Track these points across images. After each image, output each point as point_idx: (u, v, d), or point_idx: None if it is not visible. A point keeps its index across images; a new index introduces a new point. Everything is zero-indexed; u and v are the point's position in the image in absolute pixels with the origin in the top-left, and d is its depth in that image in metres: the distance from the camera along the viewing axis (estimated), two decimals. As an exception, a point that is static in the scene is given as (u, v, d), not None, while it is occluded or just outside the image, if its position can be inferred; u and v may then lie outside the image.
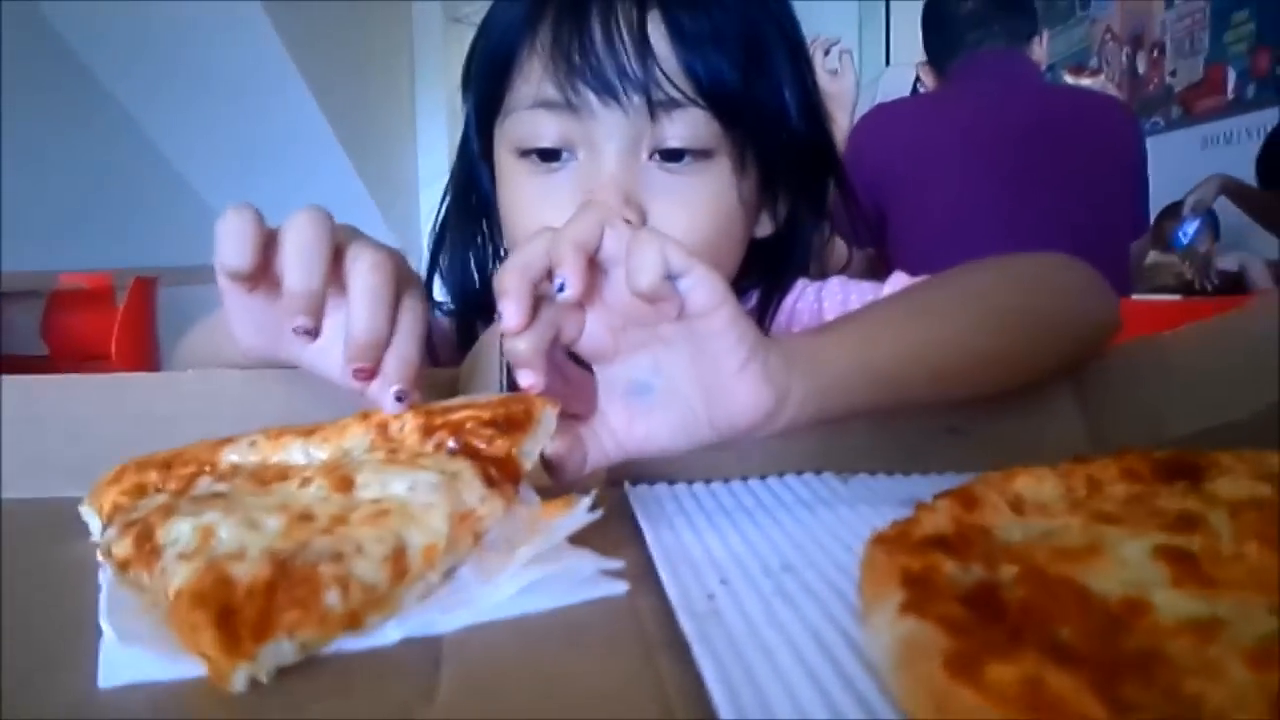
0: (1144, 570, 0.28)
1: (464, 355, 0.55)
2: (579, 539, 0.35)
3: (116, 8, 3.63)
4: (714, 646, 0.29)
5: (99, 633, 0.30)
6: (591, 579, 0.33)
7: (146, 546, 0.31)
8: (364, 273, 0.43)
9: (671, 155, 0.64)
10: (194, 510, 0.32)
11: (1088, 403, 0.54)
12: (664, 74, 0.62)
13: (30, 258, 3.32)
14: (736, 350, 0.39)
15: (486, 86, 0.70)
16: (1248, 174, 2.56)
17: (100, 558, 0.34)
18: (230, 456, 0.38)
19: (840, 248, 1.62)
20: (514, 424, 0.37)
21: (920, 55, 2.01)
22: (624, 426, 0.42)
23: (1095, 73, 2.89)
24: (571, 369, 0.44)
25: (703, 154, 0.65)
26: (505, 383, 0.48)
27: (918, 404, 0.49)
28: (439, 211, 0.80)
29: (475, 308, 0.76)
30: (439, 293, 0.78)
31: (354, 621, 0.29)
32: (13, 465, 0.49)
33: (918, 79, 2.45)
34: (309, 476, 0.34)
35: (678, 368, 0.41)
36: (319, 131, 4.44)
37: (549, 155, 0.66)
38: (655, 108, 0.63)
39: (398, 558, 0.30)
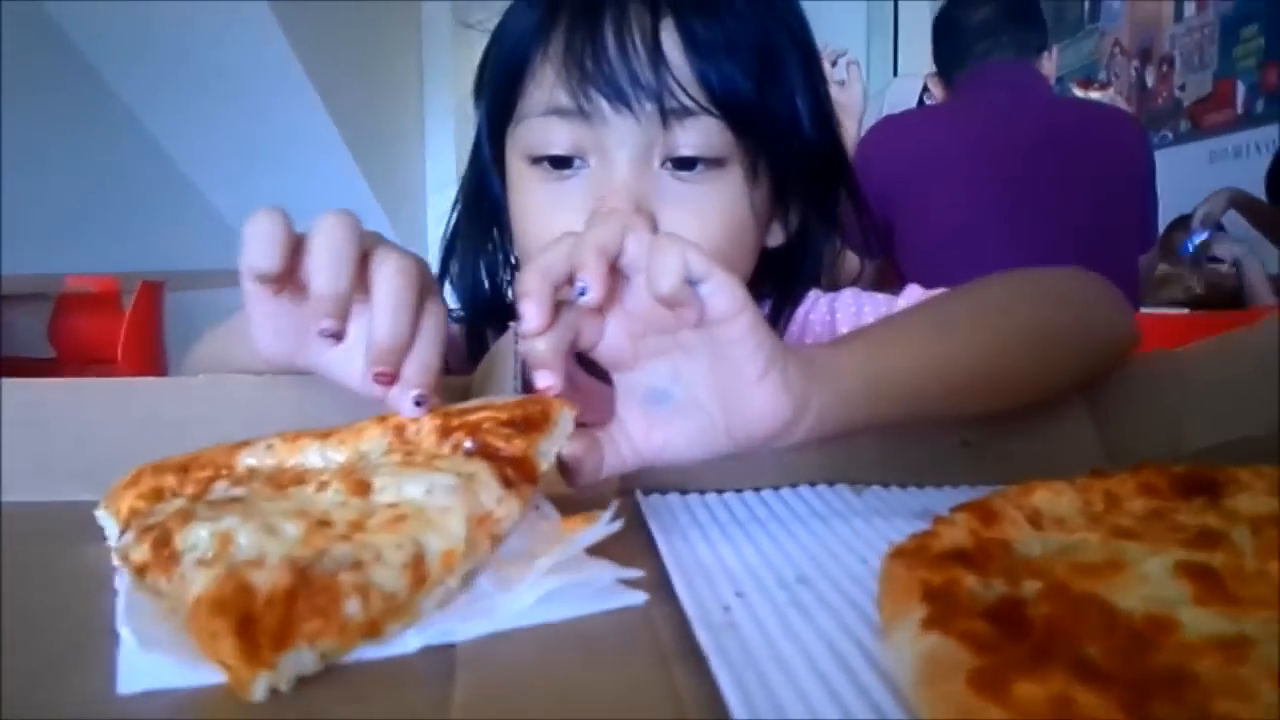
0: (1166, 587, 0.27)
1: (473, 363, 0.55)
2: (594, 548, 0.35)
3: (122, 7, 3.64)
4: (730, 658, 0.28)
5: (115, 638, 0.30)
6: (610, 589, 0.33)
7: (164, 552, 0.31)
8: (389, 277, 0.43)
9: (684, 163, 0.64)
10: (212, 515, 0.31)
11: (1102, 417, 0.54)
12: (677, 82, 0.62)
13: (33, 259, 3.32)
14: (755, 358, 0.39)
15: (499, 93, 0.70)
16: (1256, 188, 2.56)
17: (117, 562, 0.34)
18: (247, 460, 0.38)
19: (851, 259, 1.62)
20: (531, 424, 0.37)
21: (928, 66, 2.01)
22: (641, 434, 0.42)
23: (1104, 86, 2.88)
24: (582, 378, 0.43)
25: (715, 162, 0.65)
26: (520, 389, 0.48)
27: (936, 418, 0.49)
28: (450, 218, 0.80)
29: (485, 315, 0.76)
30: (449, 300, 0.77)
31: (374, 630, 0.29)
32: (22, 468, 0.49)
33: (924, 90, 2.46)
34: (326, 480, 0.34)
35: (697, 376, 0.41)
36: (325, 134, 4.44)
37: (561, 162, 0.66)
38: (668, 115, 0.63)
39: (417, 564, 0.30)
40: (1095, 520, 0.34)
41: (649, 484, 0.47)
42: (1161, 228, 2.07)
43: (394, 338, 0.42)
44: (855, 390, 0.43)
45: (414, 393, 0.40)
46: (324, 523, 0.31)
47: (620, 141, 0.63)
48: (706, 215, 0.65)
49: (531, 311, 0.38)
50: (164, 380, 0.54)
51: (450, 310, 0.77)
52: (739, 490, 0.48)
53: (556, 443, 0.38)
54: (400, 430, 0.38)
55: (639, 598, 0.33)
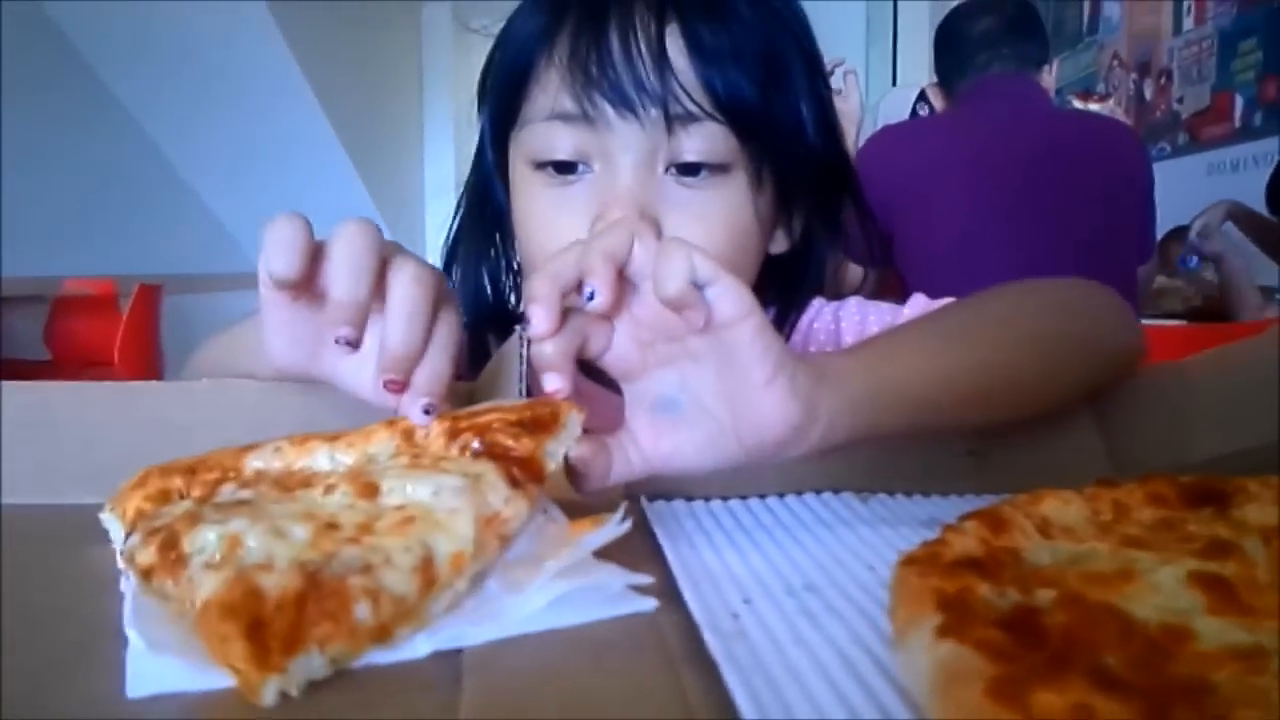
0: (1179, 597, 0.27)
1: (474, 368, 0.55)
2: (601, 555, 0.35)
3: (122, 10, 3.64)
4: (741, 666, 0.28)
5: (122, 640, 0.30)
6: (620, 594, 0.33)
7: (171, 555, 0.30)
8: (404, 285, 0.43)
9: (688, 169, 0.64)
10: (219, 518, 0.31)
11: (1108, 427, 0.54)
12: (682, 87, 0.62)
13: (31, 261, 3.32)
14: (763, 362, 0.39)
15: (503, 98, 0.70)
16: (1254, 201, 2.56)
17: (122, 565, 0.34)
18: (254, 462, 0.38)
19: (854, 269, 1.63)
20: (540, 425, 0.37)
21: (927, 76, 2.02)
22: (650, 441, 0.42)
23: (1104, 98, 2.90)
24: (586, 385, 0.43)
25: (719, 168, 0.65)
26: (525, 393, 0.48)
27: (946, 428, 0.49)
28: (452, 223, 0.80)
29: (488, 320, 0.76)
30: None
31: (384, 634, 0.29)
32: (25, 471, 0.49)
33: (917, 101, 2.47)
34: (333, 483, 0.34)
35: (705, 383, 0.41)
36: (324, 139, 4.44)
37: (565, 168, 0.66)
38: (672, 121, 0.63)
39: (426, 567, 0.30)
40: (1104, 530, 0.34)
41: (654, 491, 0.47)
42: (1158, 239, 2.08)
43: (406, 346, 0.42)
44: (866, 397, 0.43)
45: (423, 401, 0.40)
46: (332, 525, 0.31)
47: (625, 147, 0.63)
48: (711, 221, 0.65)
49: (540, 316, 0.39)
50: (168, 384, 0.53)
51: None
52: (744, 498, 0.48)
53: (564, 444, 0.38)
54: (408, 433, 0.38)
55: (648, 604, 0.33)
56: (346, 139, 4.52)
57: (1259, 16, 2.99)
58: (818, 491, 0.48)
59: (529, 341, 0.40)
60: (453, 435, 0.37)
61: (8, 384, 0.51)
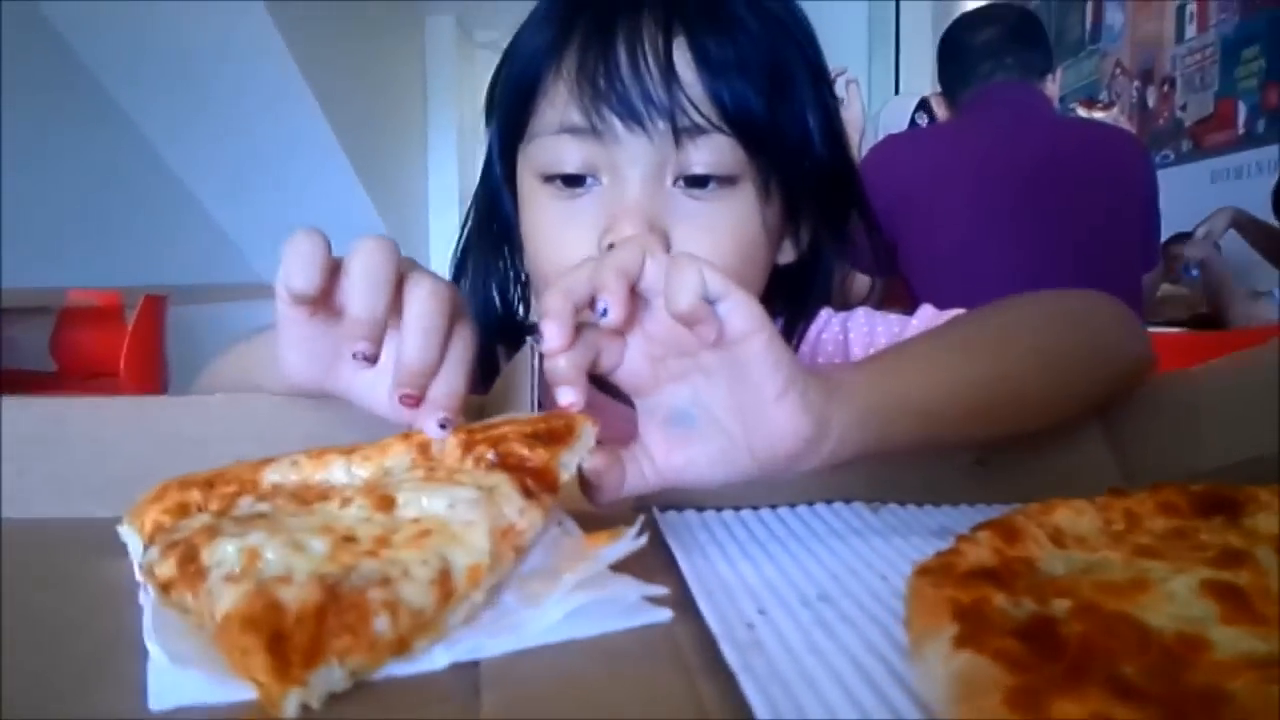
0: (1193, 606, 0.28)
1: (483, 379, 0.55)
2: (615, 566, 0.35)
3: (125, 19, 3.66)
4: (758, 676, 0.28)
5: (141, 654, 0.30)
6: (635, 605, 0.33)
7: (190, 568, 0.31)
8: (421, 300, 0.43)
9: (696, 181, 0.65)
10: (238, 531, 0.32)
11: (1117, 436, 0.54)
12: (689, 100, 0.63)
13: (36, 272, 3.33)
14: (774, 376, 0.39)
15: (511, 111, 0.70)
16: (1257, 207, 2.57)
17: (141, 578, 0.34)
18: (271, 476, 0.38)
19: (861, 279, 1.63)
20: (555, 437, 0.37)
21: (929, 85, 2.03)
22: (663, 454, 0.42)
23: (1108, 106, 2.90)
24: (597, 397, 0.44)
25: (727, 180, 0.65)
26: (536, 404, 0.48)
27: (958, 441, 0.49)
28: (460, 236, 0.80)
29: (497, 332, 0.76)
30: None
31: (403, 647, 0.29)
32: (39, 485, 0.49)
33: (916, 110, 2.48)
34: (349, 496, 0.34)
35: (717, 398, 0.41)
36: (328, 148, 4.46)
37: (573, 181, 0.66)
38: (680, 134, 0.63)
39: (443, 580, 0.30)
40: (1117, 539, 0.34)
41: (665, 501, 0.47)
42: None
43: (422, 361, 0.42)
44: (878, 411, 0.43)
45: (439, 415, 0.40)
46: (349, 539, 0.31)
47: (633, 160, 0.64)
48: (719, 233, 0.65)
49: (553, 331, 0.39)
50: (181, 398, 0.54)
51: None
52: (755, 508, 0.48)
53: (578, 455, 0.38)
54: (424, 446, 0.38)
55: (664, 615, 0.33)
56: (350, 148, 4.53)
57: (1261, 23, 3.00)
58: (829, 502, 0.48)
59: (540, 354, 0.41)
60: (468, 448, 0.37)
61: (20, 399, 0.51)
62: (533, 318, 0.79)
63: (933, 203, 1.74)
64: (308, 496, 0.35)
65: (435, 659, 0.30)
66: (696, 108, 0.63)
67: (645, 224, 0.63)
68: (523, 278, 0.77)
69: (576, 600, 0.32)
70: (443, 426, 0.40)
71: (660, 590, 0.34)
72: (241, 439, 0.48)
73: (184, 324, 3.51)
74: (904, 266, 1.77)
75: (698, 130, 0.63)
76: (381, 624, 0.28)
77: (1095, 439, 0.54)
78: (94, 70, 3.84)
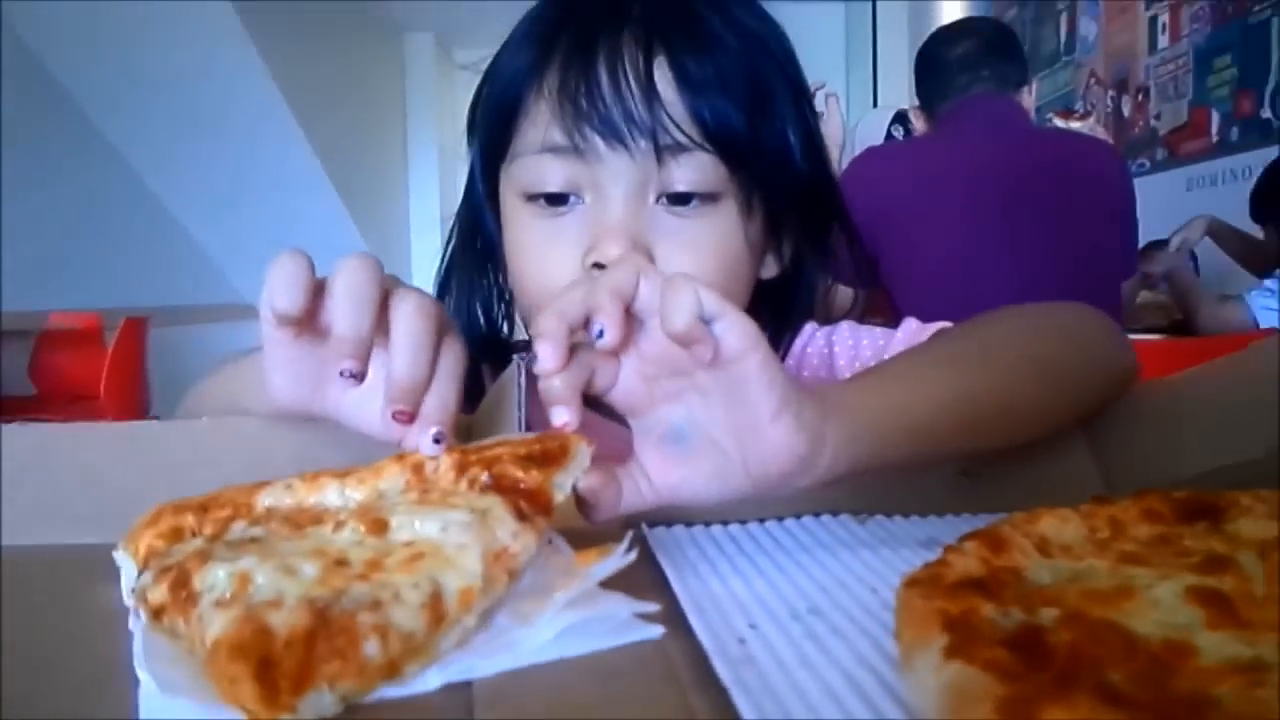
0: (1178, 612, 0.28)
1: (469, 397, 0.55)
2: (606, 583, 0.35)
3: (107, 43, 3.65)
4: (751, 691, 0.29)
5: (131, 680, 0.30)
6: (627, 622, 0.33)
7: (182, 593, 0.31)
8: (408, 316, 0.43)
9: (679, 199, 0.65)
10: (230, 556, 0.31)
11: (1099, 445, 0.55)
12: (671, 119, 0.63)
13: (16, 296, 3.30)
14: (769, 396, 0.39)
15: (493, 131, 0.71)
16: (1232, 215, 2.60)
17: (134, 603, 0.34)
18: (265, 500, 0.38)
19: (844, 292, 1.64)
20: (549, 458, 0.37)
21: (906, 99, 2.04)
22: (658, 472, 0.42)
23: (1084, 116, 2.93)
24: (590, 415, 0.44)
25: (709, 197, 0.65)
26: (523, 423, 0.48)
27: (949, 455, 0.50)
28: (443, 255, 0.80)
29: (481, 350, 0.76)
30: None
31: (393, 671, 0.29)
32: (24, 513, 0.48)
33: (891, 123, 2.50)
34: (343, 519, 0.34)
35: (711, 417, 0.41)
36: (309, 169, 4.45)
37: (556, 199, 0.66)
38: (662, 152, 0.63)
39: (435, 603, 0.30)
40: (1102, 546, 0.35)
41: (654, 517, 0.47)
42: (1139, 255, 2.09)
43: (412, 376, 0.42)
44: (872, 427, 0.43)
45: (433, 430, 0.40)
46: (341, 562, 0.31)
47: (615, 178, 0.64)
48: (702, 250, 0.65)
49: (547, 353, 0.39)
50: (166, 423, 0.54)
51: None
52: (743, 522, 0.48)
53: (572, 476, 0.38)
54: (418, 468, 0.38)
55: (656, 631, 0.33)
56: (331, 168, 4.53)
57: (1233, 33, 3.04)
58: (816, 514, 0.49)
59: (527, 372, 0.41)
60: (461, 469, 0.37)
61: (5, 426, 0.51)
62: (518, 336, 0.79)
63: (913, 215, 1.75)
64: (301, 520, 0.35)
65: (428, 680, 0.30)
66: (678, 126, 0.63)
67: (629, 242, 0.63)
68: (506, 296, 0.78)
69: (568, 619, 0.32)
70: (437, 441, 0.40)
71: (651, 607, 0.34)
72: (228, 462, 0.48)
73: (166, 345, 3.49)
74: (886, 278, 1.79)
75: (680, 148, 0.63)
76: (371, 648, 0.28)
77: (1078, 448, 0.55)
78: (75, 95, 3.83)
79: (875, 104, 4.28)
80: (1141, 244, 2.04)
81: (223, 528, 0.36)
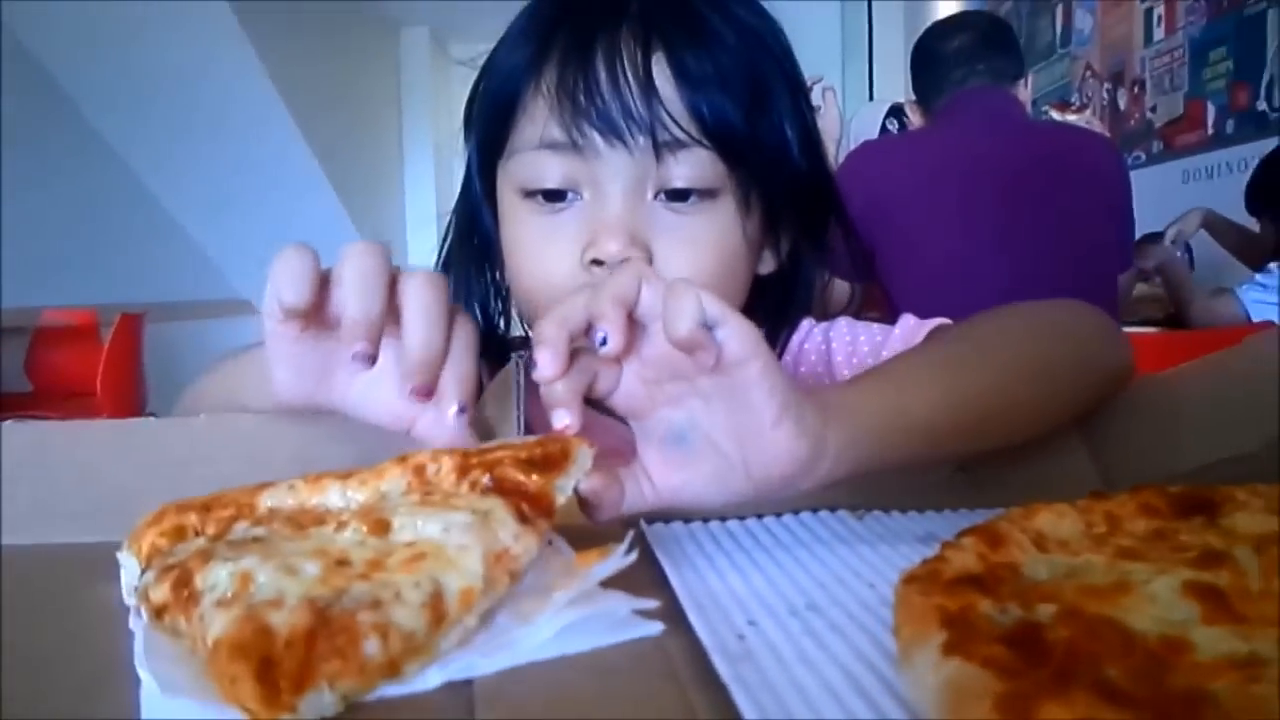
0: (1175, 607, 0.28)
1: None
2: (605, 580, 0.35)
3: (103, 44, 3.65)
4: (750, 687, 0.29)
5: (133, 679, 0.30)
6: (626, 620, 0.33)
7: (184, 592, 0.31)
8: (418, 291, 0.43)
9: (677, 195, 0.65)
10: (231, 555, 0.32)
11: (1096, 440, 0.55)
12: (669, 115, 0.63)
13: (12, 292, 3.30)
14: (771, 401, 0.39)
15: (490, 127, 0.71)
16: (1227, 207, 2.60)
17: (136, 602, 0.34)
18: (268, 500, 0.38)
19: (841, 287, 1.64)
20: (550, 462, 0.37)
21: (903, 92, 2.04)
22: (660, 475, 0.42)
23: (1081, 109, 2.94)
24: (591, 415, 0.44)
25: (708, 193, 0.65)
26: (523, 419, 0.48)
27: (949, 455, 0.50)
28: (440, 251, 0.80)
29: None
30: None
31: (393, 670, 0.29)
32: (23, 511, 0.48)
33: (886, 116, 2.50)
34: (345, 520, 0.34)
35: (713, 421, 0.41)
36: (305, 165, 4.45)
37: (554, 196, 0.66)
38: (660, 148, 0.63)
39: (435, 603, 0.30)
40: (1099, 542, 0.35)
41: (653, 513, 0.47)
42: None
43: (428, 348, 0.42)
44: (873, 430, 0.43)
45: (456, 403, 0.40)
46: (343, 562, 0.31)
47: (613, 174, 0.64)
48: (700, 246, 0.65)
49: (547, 359, 0.39)
50: (164, 420, 0.54)
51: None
52: (741, 518, 0.48)
53: (574, 479, 0.38)
54: (420, 470, 0.38)
55: (655, 628, 0.33)
56: (327, 166, 4.53)
57: (1228, 25, 3.04)
58: (814, 511, 0.49)
59: (526, 370, 0.41)
60: (463, 472, 0.37)
61: (3, 424, 0.51)
62: (515, 332, 0.79)
63: (910, 208, 1.75)
64: (304, 520, 0.35)
65: (428, 678, 0.30)
66: (676, 122, 0.63)
67: (627, 238, 0.63)
68: (504, 292, 0.77)
69: (568, 617, 0.32)
70: (462, 411, 0.40)
71: (650, 604, 0.34)
72: (226, 459, 0.48)
73: (163, 341, 3.48)
74: (882, 273, 1.79)
75: (678, 144, 0.63)
76: (372, 647, 0.28)
77: (1074, 444, 0.55)
78: (74, 95, 3.83)
79: (871, 97, 4.28)
80: (1137, 237, 2.04)
81: (225, 527, 0.36)
